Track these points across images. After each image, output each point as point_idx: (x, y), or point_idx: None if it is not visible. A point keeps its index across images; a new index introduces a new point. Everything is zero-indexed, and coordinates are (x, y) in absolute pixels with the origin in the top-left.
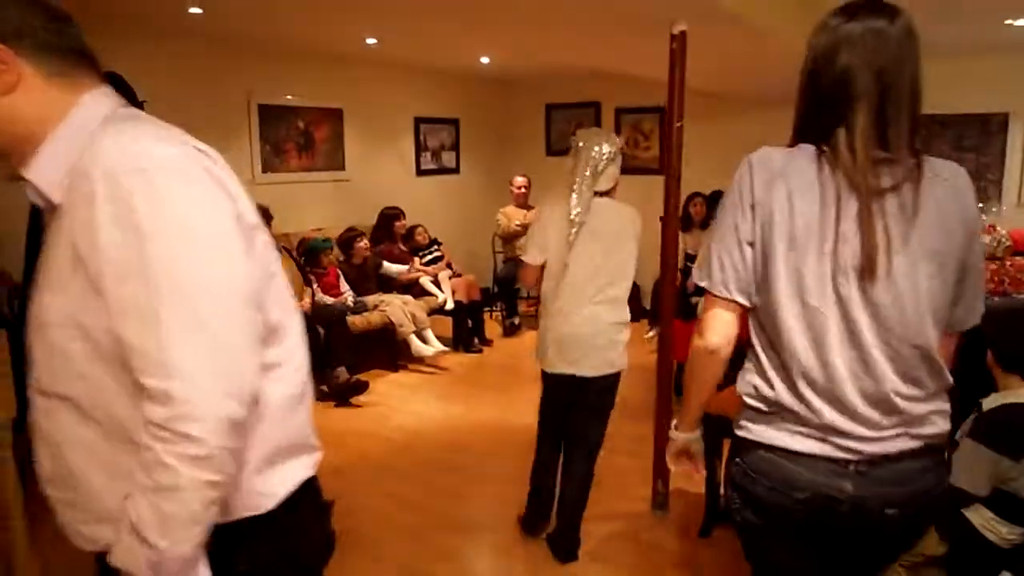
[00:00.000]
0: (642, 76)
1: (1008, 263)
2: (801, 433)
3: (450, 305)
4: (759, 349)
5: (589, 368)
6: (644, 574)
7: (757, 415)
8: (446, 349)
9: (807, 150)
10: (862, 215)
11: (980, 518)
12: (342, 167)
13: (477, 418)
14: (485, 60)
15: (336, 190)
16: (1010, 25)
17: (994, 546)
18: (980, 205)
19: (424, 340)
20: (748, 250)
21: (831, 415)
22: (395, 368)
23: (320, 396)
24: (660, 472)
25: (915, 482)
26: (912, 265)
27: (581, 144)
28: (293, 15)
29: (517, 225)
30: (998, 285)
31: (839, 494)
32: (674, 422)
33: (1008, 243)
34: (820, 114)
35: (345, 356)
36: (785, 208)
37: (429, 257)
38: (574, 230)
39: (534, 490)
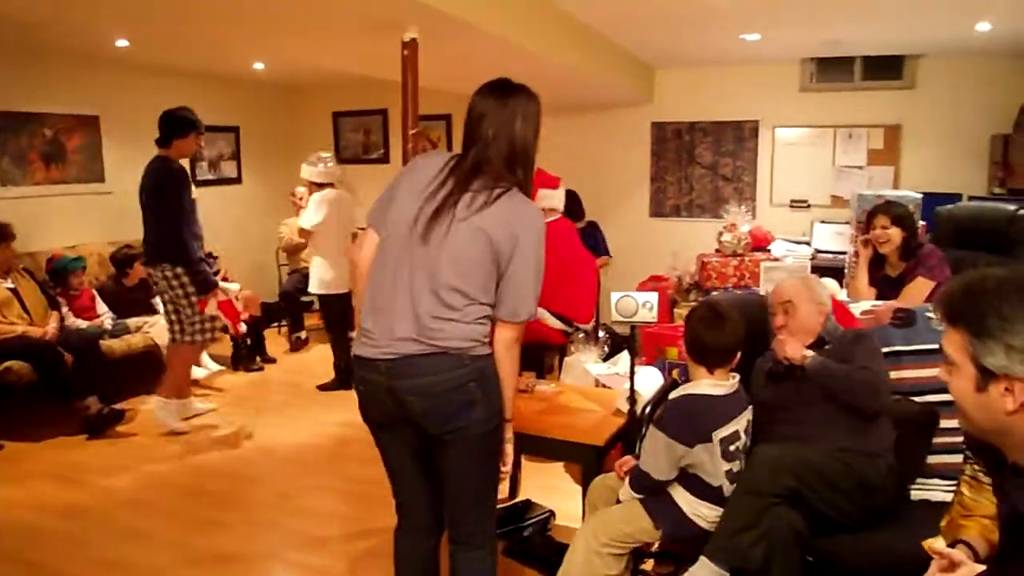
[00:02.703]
0: (424, 85)
1: (747, 259)
2: (364, 343)
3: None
4: (369, 283)
5: None
6: None
7: (359, 335)
8: (221, 369)
9: (450, 154)
10: (448, 199)
11: (688, 505)
12: (101, 179)
13: (249, 441)
14: (259, 66)
15: (95, 204)
16: (744, 40)
17: (703, 531)
18: (727, 204)
19: (196, 361)
20: (387, 200)
21: (377, 326)
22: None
23: (73, 431)
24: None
25: (423, 375)
26: (467, 235)
27: None
28: (14, 15)
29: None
30: (740, 279)
31: (378, 384)
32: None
33: (747, 240)
34: (464, 139)
35: (96, 384)
36: (407, 180)
37: None
38: None
39: None
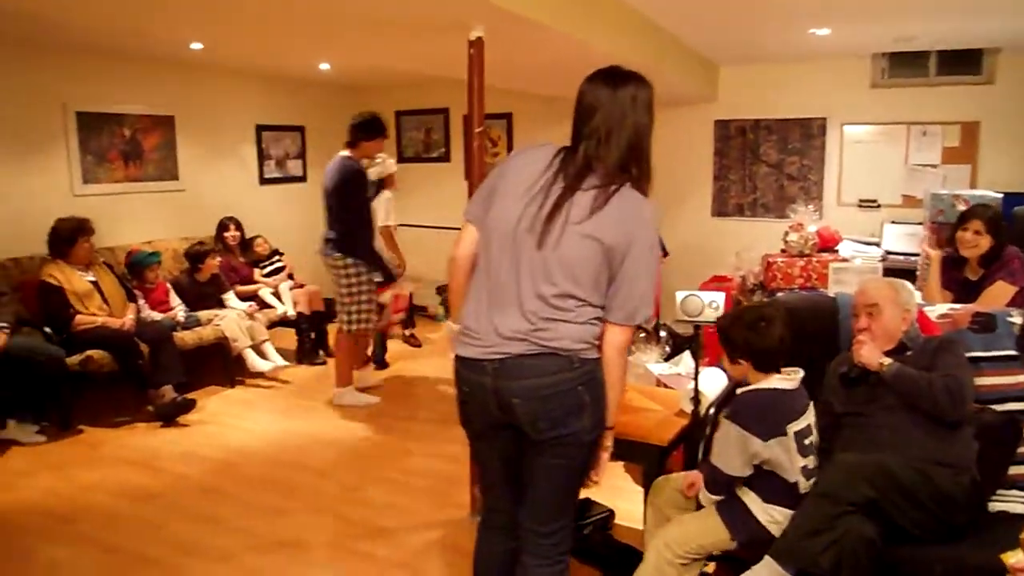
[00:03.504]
0: (486, 83)
1: (815, 259)
2: (467, 343)
3: (291, 313)
4: (473, 280)
5: None
6: None
7: (460, 336)
8: (285, 364)
9: (557, 146)
10: (560, 200)
11: (762, 511)
12: (175, 177)
13: (311, 432)
14: (325, 66)
15: (169, 201)
16: (814, 34)
17: (773, 537)
18: (793, 204)
19: (262, 354)
20: (487, 195)
21: (482, 325)
22: (232, 384)
23: (146, 418)
24: (478, 477)
25: (531, 376)
26: (579, 240)
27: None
28: (97, 20)
29: None
30: (807, 280)
31: (484, 386)
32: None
33: (814, 241)
34: (575, 131)
35: (171, 374)
36: (509, 176)
37: (269, 268)
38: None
39: None
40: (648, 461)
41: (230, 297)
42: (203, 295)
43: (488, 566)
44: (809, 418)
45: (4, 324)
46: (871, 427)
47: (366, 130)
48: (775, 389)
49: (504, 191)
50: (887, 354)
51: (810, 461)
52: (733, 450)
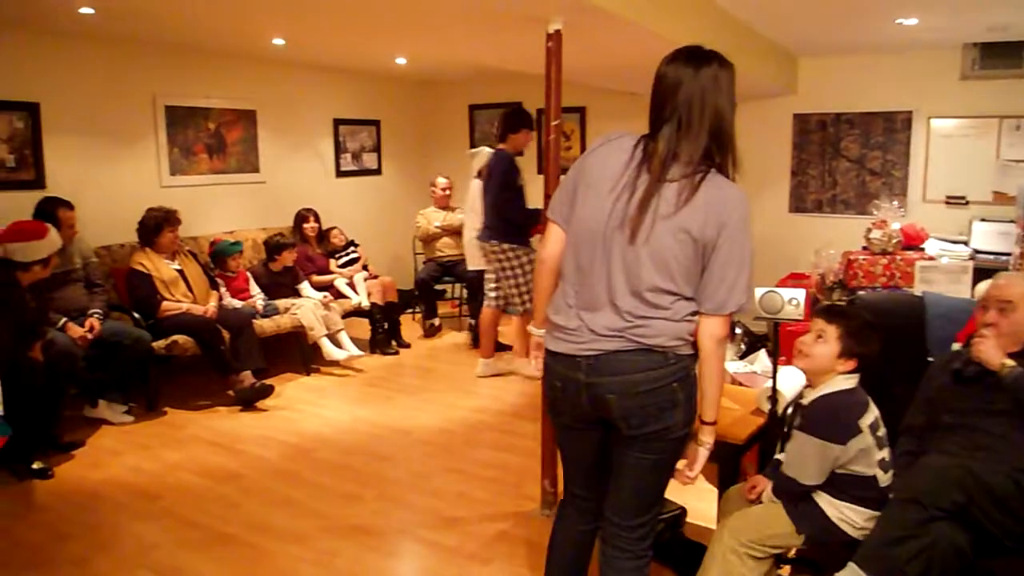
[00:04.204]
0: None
1: (899, 257)
2: (560, 338)
3: (365, 304)
4: (561, 278)
5: None
6: (529, 575)
7: (551, 329)
8: (359, 353)
9: (635, 135)
10: (648, 194)
11: (833, 509)
12: (256, 169)
13: (384, 421)
14: (401, 61)
15: (251, 192)
16: (900, 24)
17: (848, 537)
18: (875, 201)
19: (337, 343)
20: (571, 193)
21: (573, 321)
22: (307, 371)
23: (226, 401)
24: (548, 471)
25: (626, 372)
26: (669, 235)
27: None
28: (187, 18)
29: (436, 227)
30: (890, 279)
31: (577, 382)
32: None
33: (899, 238)
34: (653, 118)
35: (251, 360)
36: (591, 171)
37: (345, 259)
38: None
39: None
40: (724, 459)
41: (305, 287)
42: (277, 284)
43: (565, 545)
44: (874, 410)
45: (98, 311)
46: (970, 429)
47: (509, 122)
48: (841, 391)
49: (588, 187)
50: (1010, 356)
51: (885, 453)
52: (810, 460)
